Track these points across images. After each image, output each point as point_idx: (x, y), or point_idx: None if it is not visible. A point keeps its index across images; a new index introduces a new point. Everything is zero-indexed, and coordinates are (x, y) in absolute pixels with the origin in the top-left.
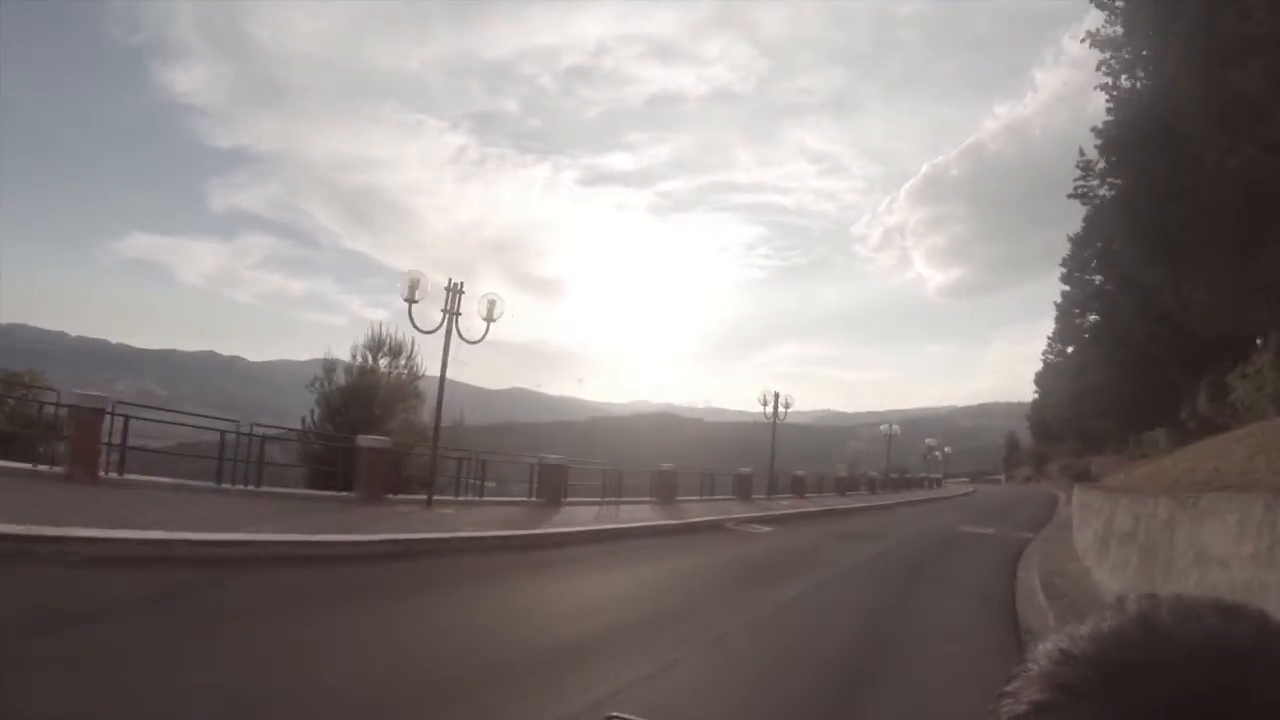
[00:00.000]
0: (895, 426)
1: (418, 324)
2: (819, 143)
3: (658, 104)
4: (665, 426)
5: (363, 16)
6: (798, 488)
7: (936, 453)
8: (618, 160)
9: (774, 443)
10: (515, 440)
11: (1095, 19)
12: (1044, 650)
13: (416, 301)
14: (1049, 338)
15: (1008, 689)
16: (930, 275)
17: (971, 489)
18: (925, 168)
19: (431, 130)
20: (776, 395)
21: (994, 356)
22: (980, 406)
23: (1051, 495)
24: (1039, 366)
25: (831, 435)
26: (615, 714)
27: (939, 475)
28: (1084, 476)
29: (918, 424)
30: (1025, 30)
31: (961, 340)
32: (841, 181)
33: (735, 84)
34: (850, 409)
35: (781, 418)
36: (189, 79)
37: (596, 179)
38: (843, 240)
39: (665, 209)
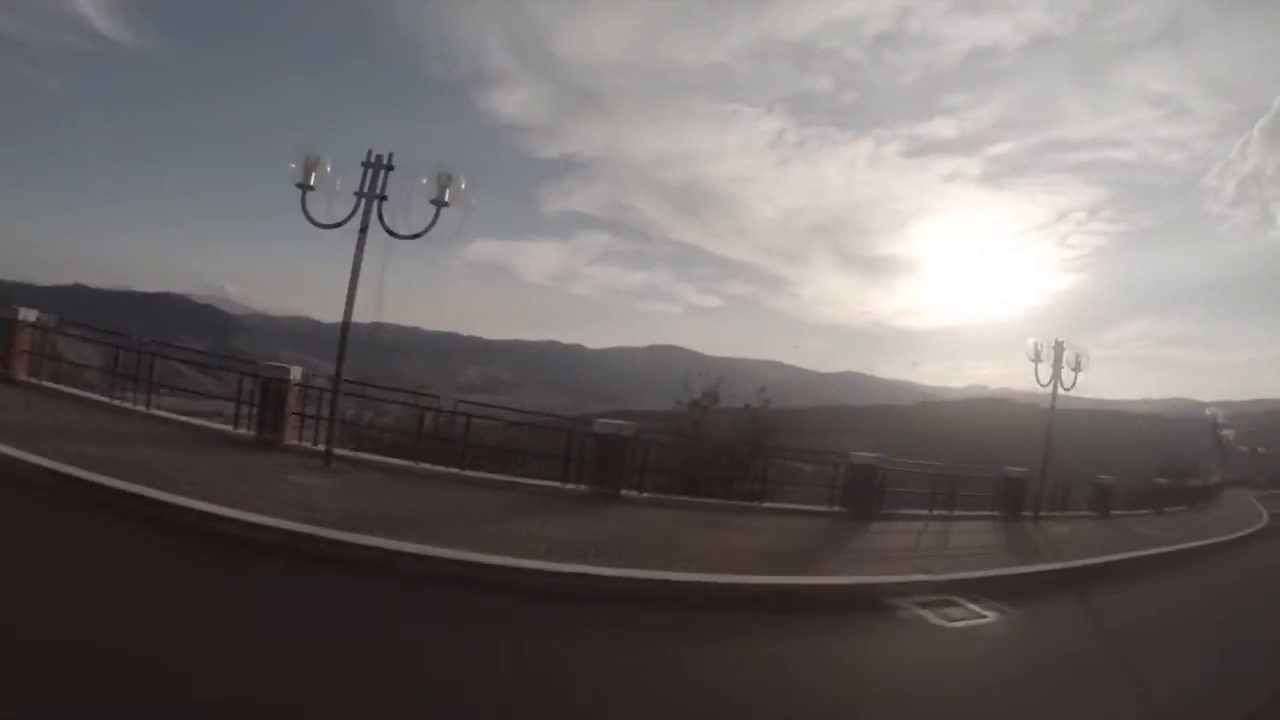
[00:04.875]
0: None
1: (1040, 381)
2: (1157, 83)
3: (974, 61)
4: (998, 414)
5: (658, 18)
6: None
7: (1238, 445)
8: (940, 127)
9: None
10: (840, 423)
11: None
12: None
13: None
14: None
15: None
16: None
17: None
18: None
19: (747, 118)
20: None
21: None
22: None
23: None
24: None
25: (1184, 427)
26: None
27: (1215, 480)
28: None
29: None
30: None
31: None
32: (1187, 126)
33: (1054, 27)
34: (1207, 397)
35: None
36: (510, 101)
37: (920, 149)
38: (1193, 196)
39: (997, 175)
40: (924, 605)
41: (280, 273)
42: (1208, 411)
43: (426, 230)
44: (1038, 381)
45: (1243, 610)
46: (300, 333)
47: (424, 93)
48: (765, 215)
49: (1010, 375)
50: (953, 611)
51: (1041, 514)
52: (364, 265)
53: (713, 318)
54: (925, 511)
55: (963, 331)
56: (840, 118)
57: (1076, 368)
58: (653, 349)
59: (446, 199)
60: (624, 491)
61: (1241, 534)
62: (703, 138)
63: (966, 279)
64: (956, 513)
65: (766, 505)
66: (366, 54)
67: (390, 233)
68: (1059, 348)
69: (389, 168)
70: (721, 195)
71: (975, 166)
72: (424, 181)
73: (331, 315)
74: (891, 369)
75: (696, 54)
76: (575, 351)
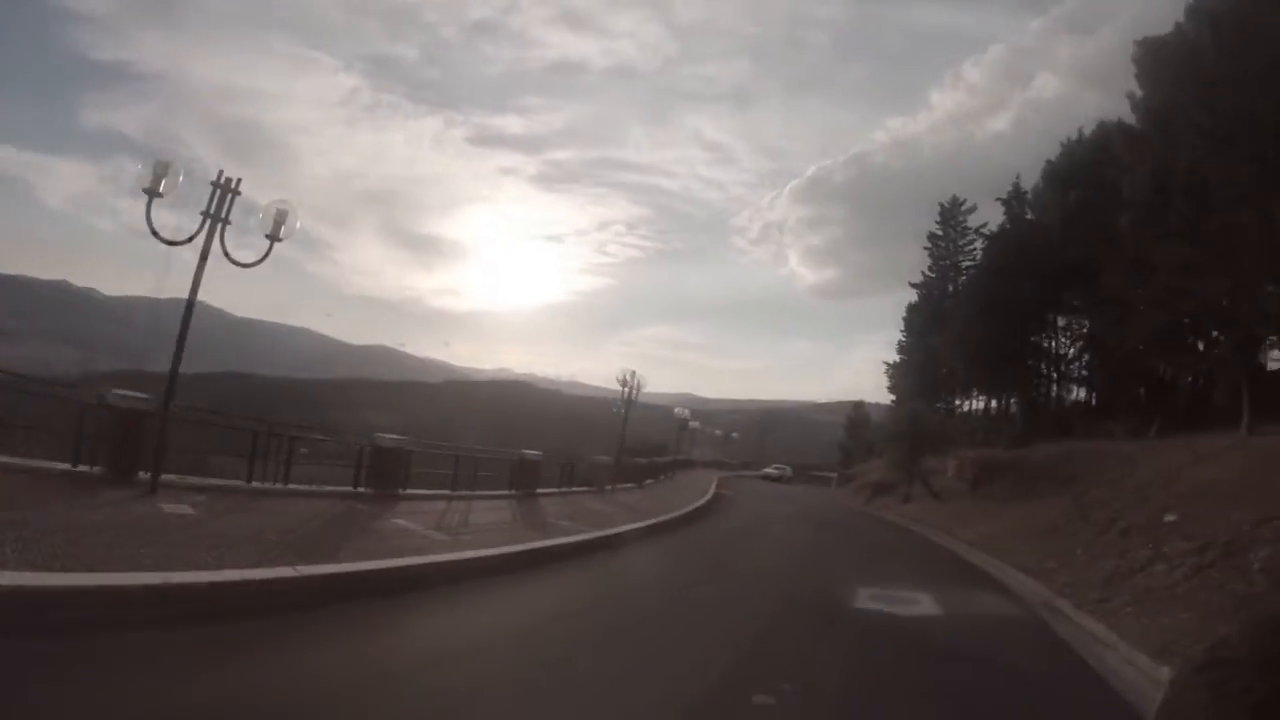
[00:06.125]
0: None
1: (160, 231)
2: (714, 132)
3: (559, 71)
4: (521, 395)
5: None
6: None
7: (694, 424)
8: (510, 123)
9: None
10: (364, 396)
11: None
12: (1234, 638)
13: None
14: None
15: (1201, 682)
16: (803, 274)
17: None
18: (812, 169)
19: (324, 69)
20: (633, 374)
21: (856, 359)
22: (838, 404)
23: None
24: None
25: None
26: None
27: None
28: None
29: (774, 415)
30: (930, 51)
31: (827, 339)
32: (730, 173)
33: (640, 62)
34: (711, 395)
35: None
36: None
37: (487, 139)
38: (723, 231)
39: (552, 178)
40: None
41: None
42: (618, 374)
43: None
44: (151, 231)
45: None
46: None
47: None
48: (318, 173)
49: (533, 361)
50: None
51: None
52: None
53: (246, 274)
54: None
55: (497, 316)
56: (417, 91)
57: (274, 235)
58: (175, 302)
59: None
60: None
61: (628, 527)
62: (274, 79)
63: (506, 268)
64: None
65: None
66: None
67: None
68: (225, 184)
69: None
70: (278, 143)
71: (534, 166)
72: None
73: None
74: (424, 347)
75: None
76: (90, 296)
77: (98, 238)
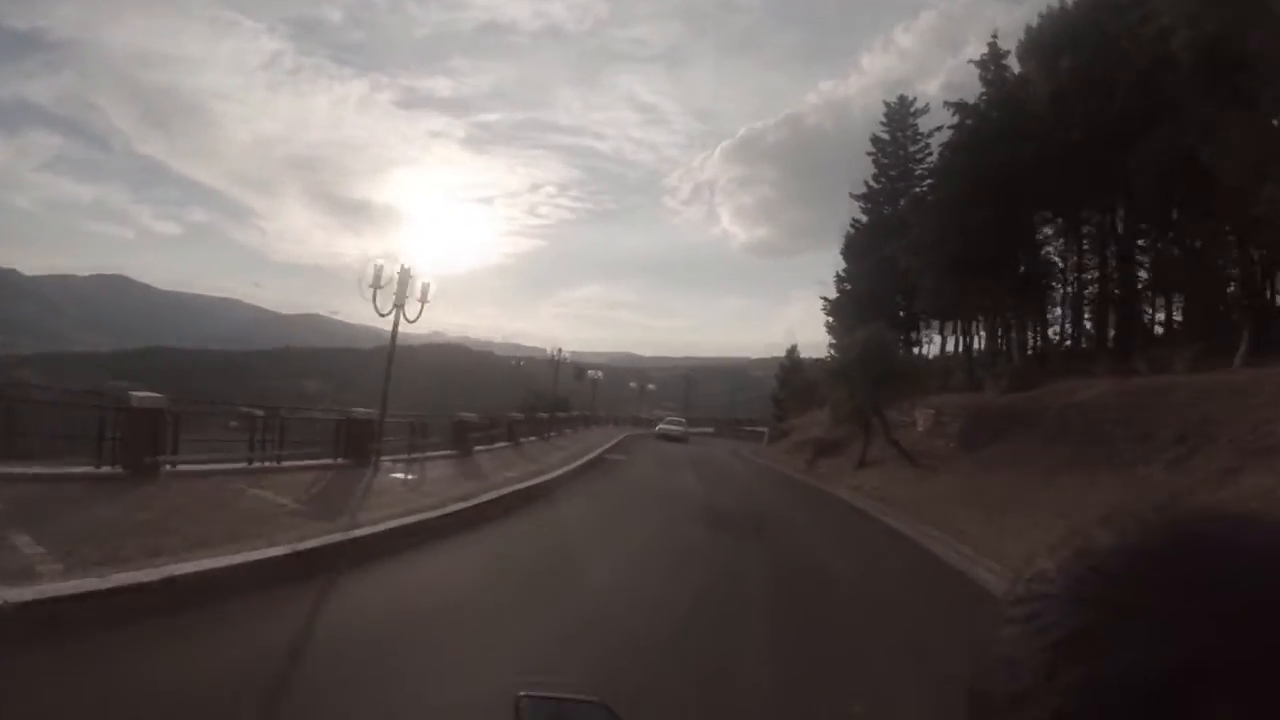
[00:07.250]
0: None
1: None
2: (646, 93)
3: (488, 32)
4: (454, 359)
5: None
6: None
7: (594, 374)
8: (438, 85)
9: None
10: (294, 365)
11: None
12: (1052, 572)
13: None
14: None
15: (1015, 615)
16: (736, 232)
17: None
18: (743, 130)
19: (245, 32)
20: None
21: (791, 314)
22: (774, 359)
23: None
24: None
25: (625, 376)
26: (525, 693)
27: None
28: None
29: (709, 370)
30: (862, 15)
31: (761, 295)
32: (662, 134)
33: (570, 23)
34: (647, 353)
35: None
36: None
37: (414, 102)
38: (655, 191)
39: (481, 140)
40: None
41: None
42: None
43: None
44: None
45: None
46: None
47: None
48: (241, 139)
49: (467, 324)
50: None
51: None
52: None
53: (170, 247)
54: None
55: (431, 280)
56: (342, 54)
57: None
58: (99, 279)
59: None
60: None
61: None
62: (194, 42)
63: (437, 231)
64: None
65: None
66: None
67: None
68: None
69: None
70: (199, 109)
71: (462, 129)
72: None
73: None
74: (357, 313)
75: None
76: (8, 278)
77: (14, 215)
